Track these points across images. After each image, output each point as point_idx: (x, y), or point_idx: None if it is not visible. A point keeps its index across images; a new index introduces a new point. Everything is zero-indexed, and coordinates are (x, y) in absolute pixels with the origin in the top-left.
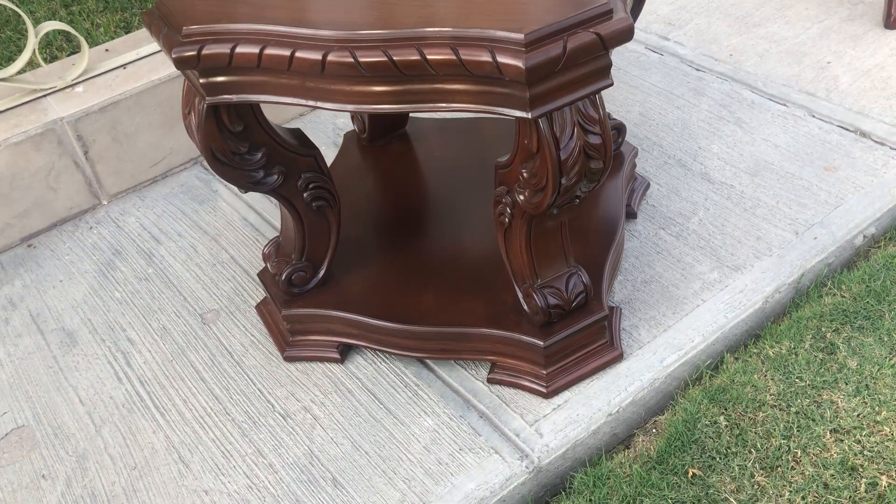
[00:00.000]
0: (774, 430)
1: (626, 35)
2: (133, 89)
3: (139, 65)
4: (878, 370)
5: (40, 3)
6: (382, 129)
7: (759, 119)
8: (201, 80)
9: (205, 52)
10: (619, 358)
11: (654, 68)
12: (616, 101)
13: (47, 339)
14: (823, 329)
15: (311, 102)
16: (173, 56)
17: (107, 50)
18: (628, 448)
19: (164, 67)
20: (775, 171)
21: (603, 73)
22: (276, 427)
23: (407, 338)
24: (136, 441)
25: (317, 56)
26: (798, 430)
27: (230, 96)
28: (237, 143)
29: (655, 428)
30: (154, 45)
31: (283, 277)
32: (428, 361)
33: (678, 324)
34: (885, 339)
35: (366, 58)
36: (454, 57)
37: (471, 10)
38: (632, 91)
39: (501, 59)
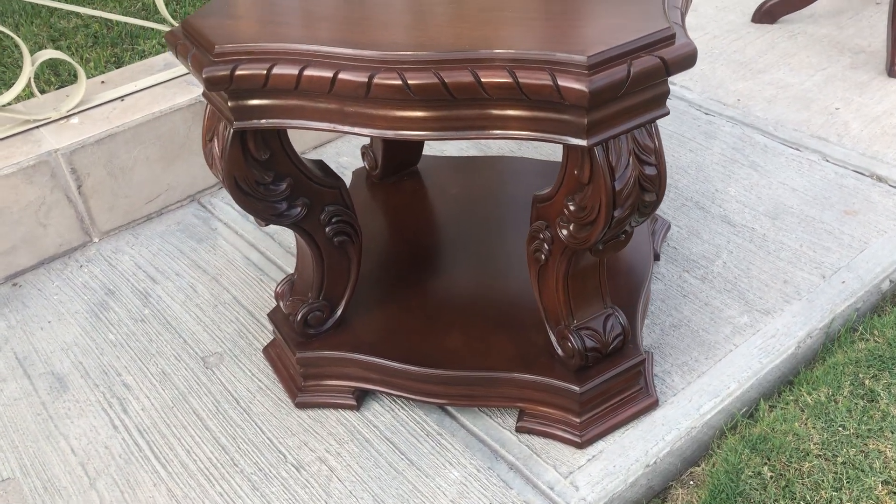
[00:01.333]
0: (823, 481)
1: (689, 60)
2: (131, 122)
3: (137, 97)
4: None
5: (26, 38)
6: (394, 167)
7: (773, 163)
8: (230, 104)
9: (238, 72)
10: (655, 405)
11: None
12: None
13: (35, 384)
14: (861, 375)
15: (347, 129)
16: (204, 76)
17: (102, 82)
18: (665, 501)
19: (165, 100)
20: (795, 215)
21: (660, 100)
22: (289, 479)
23: (431, 382)
24: (135, 496)
25: (362, 78)
26: (848, 482)
27: (260, 121)
28: (262, 172)
29: (693, 480)
30: (153, 78)
31: (299, 318)
32: (450, 409)
33: (712, 369)
34: None
35: (415, 80)
36: (511, 80)
37: (525, 32)
38: None
39: (563, 82)
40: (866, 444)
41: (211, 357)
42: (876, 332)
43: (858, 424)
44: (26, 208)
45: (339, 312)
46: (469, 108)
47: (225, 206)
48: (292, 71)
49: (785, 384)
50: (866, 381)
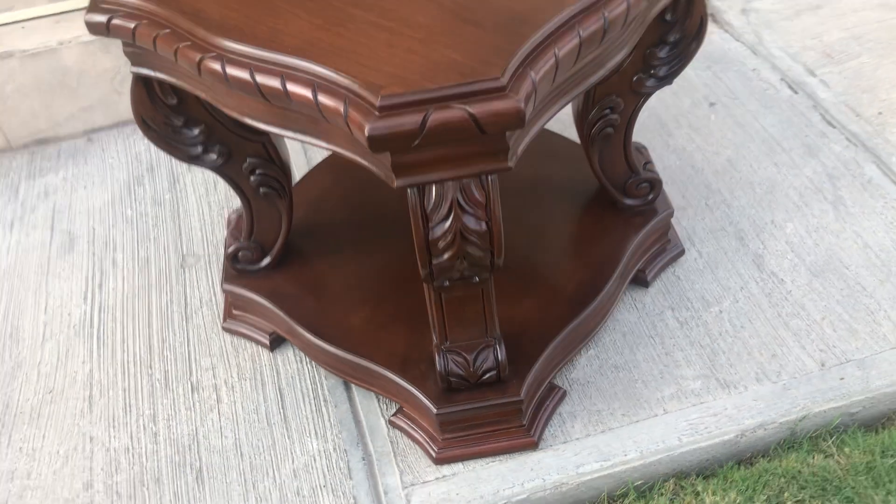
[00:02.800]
0: None
1: (509, 120)
2: None
3: None
4: None
5: None
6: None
7: (864, 205)
8: (123, 47)
9: (113, 22)
10: (532, 446)
11: (777, 108)
12: (711, 137)
13: (52, 239)
14: (786, 493)
15: (207, 97)
16: (85, 19)
17: None
18: None
19: None
20: (844, 279)
21: (494, 155)
22: (181, 397)
23: (323, 353)
24: (65, 366)
25: (192, 56)
26: None
27: (150, 71)
28: (172, 115)
29: None
30: None
31: (229, 252)
32: (351, 381)
33: (621, 429)
34: None
35: (234, 71)
36: (311, 98)
37: (367, 45)
38: (734, 130)
39: (352, 116)
40: None
41: (190, 258)
42: (847, 449)
43: None
44: (103, 74)
45: (269, 259)
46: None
47: None
48: (150, 33)
49: (710, 470)
50: (786, 502)
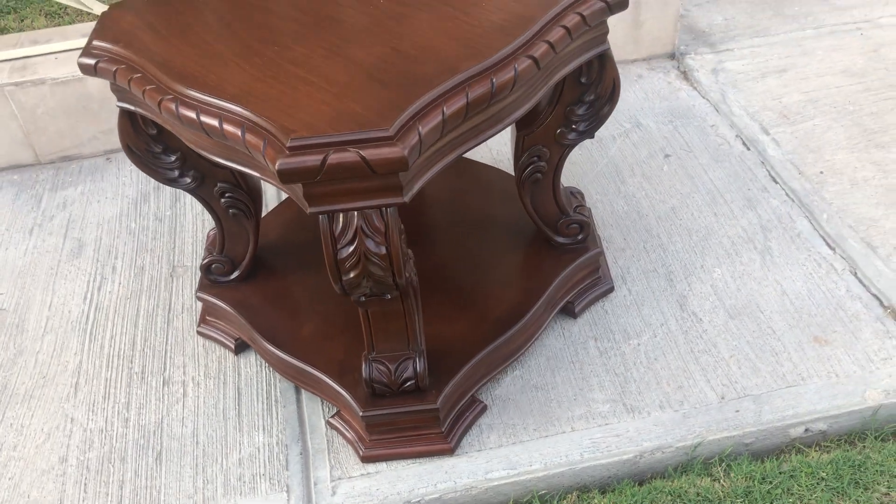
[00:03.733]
0: None
1: (394, 164)
2: None
3: None
4: None
5: None
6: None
7: (789, 256)
8: (111, 85)
9: (99, 65)
10: (447, 452)
11: (726, 162)
12: (660, 186)
13: (64, 245)
14: None
15: (170, 128)
16: (78, 61)
17: None
18: None
19: None
20: (758, 322)
21: (391, 190)
22: (153, 388)
23: (275, 359)
24: (59, 356)
25: (155, 97)
26: None
27: (128, 105)
28: (152, 143)
29: None
30: None
31: (203, 263)
32: (299, 385)
33: (531, 442)
34: None
35: (184, 111)
36: (240, 135)
37: (296, 101)
38: (683, 181)
39: (268, 152)
40: None
41: (179, 268)
42: (733, 475)
43: None
44: None
45: (239, 272)
46: (243, 147)
47: None
48: (126, 76)
49: (608, 485)
50: None
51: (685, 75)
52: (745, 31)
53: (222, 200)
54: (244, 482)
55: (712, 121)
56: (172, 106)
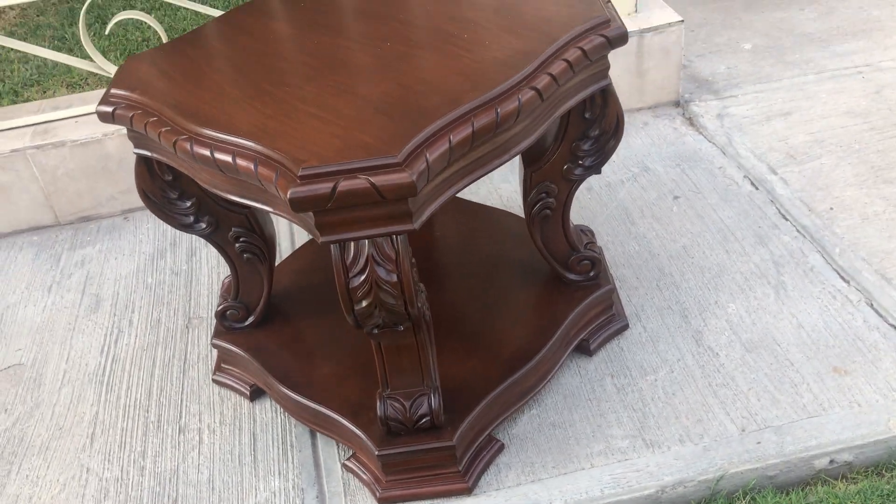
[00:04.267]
0: None
1: (403, 189)
2: None
3: None
4: None
5: None
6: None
7: (803, 290)
8: (127, 132)
9: (117, 112)
10: (465, 492)
11: (735, 202)
12: (671, 226)
13: (82, 301)
14: None
15: (185, 171)
16: (96, 110)
17: None
18: None
19: None
20: (775, 355)
21: (400, 218)
22: (169, 436)
23: (290, 402)
24: (76, 407)
25: (170, 138)
26: None
27: (144, 151)
28: (168, 189)
29: None
30: None
31: (218, 310)
32: (315, 429)
33: (551, 480)
34: None
35: (198, 150)
36: (253, 169)
37: (306, 135)
38: (693, 221)
39: (280, 182)
40: None
41: (195, 319)
42: None
43: None
44: None
45: (253, 318)
46: (257, 181)
47: None
48: (143, 120)
49: None
50: None
51: (690, 121)
52: (748, 78)
53: (237, 245)
54: None
55: (720, 163)
56: (187, 145)
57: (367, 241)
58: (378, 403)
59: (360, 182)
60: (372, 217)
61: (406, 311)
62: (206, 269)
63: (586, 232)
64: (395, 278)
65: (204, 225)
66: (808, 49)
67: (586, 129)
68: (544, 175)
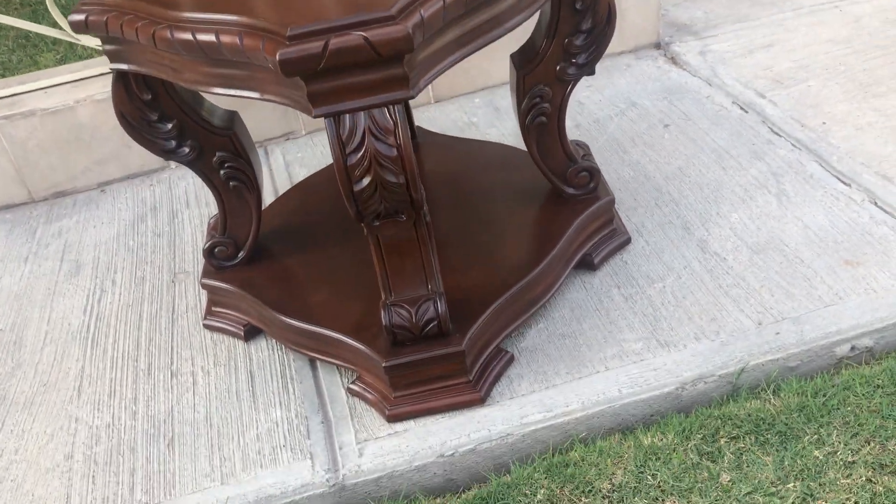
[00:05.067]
0: None
1: (399, 43)
2: None
3: None
4: (747, 495)
5: None
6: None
7: (805, 195)
8: (102, 47)
9: (90, 18)
10: (478, 402)
11: (727, 125)
12: (663, 151)
13: (61, 267)
14: (721, 432)
15: (166, 77)
16: (69, 19)
17: None
18: (456, 495)
19: None
20: (784, 254)
21: (396, 82)
22: (161, 381)
23: (288, 331)
24: (60, 364)
25: (148, 30)
26: None
27: (121, 65)
28: (147, 110)
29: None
30: None
31: (206, 248)
32: (315, 360)
33: (565, 385)
34: (787, 463)
35: (179, 35)
36: (238, 42)
37: (284, 4)
38: (686, 144)
39: (267, 48)
40: (663, 501)
41: (181, 274)
42: (781, 394)
43: (672, 478)
44: (114, 129)
45: (243, 253)
46: (240, 68)
47: (279, 156)
48: (117, 21)
49: (652, 422)
50: (721, 440)
51: (673, 60)
52: (727, 20)
53: (222, 172)
54: (264, 455)
55: (707, 92)
56: (167, 33)
57: (362, 112)
58: (382, 313)
59: (352, 38)
60: (366, 84)
61: (408, 193)
62: (189, 228)
63: (581, 146)
64: (394, 153)
65: (187, 150)
66: None
67: (578, 23)
68: (537, 77)
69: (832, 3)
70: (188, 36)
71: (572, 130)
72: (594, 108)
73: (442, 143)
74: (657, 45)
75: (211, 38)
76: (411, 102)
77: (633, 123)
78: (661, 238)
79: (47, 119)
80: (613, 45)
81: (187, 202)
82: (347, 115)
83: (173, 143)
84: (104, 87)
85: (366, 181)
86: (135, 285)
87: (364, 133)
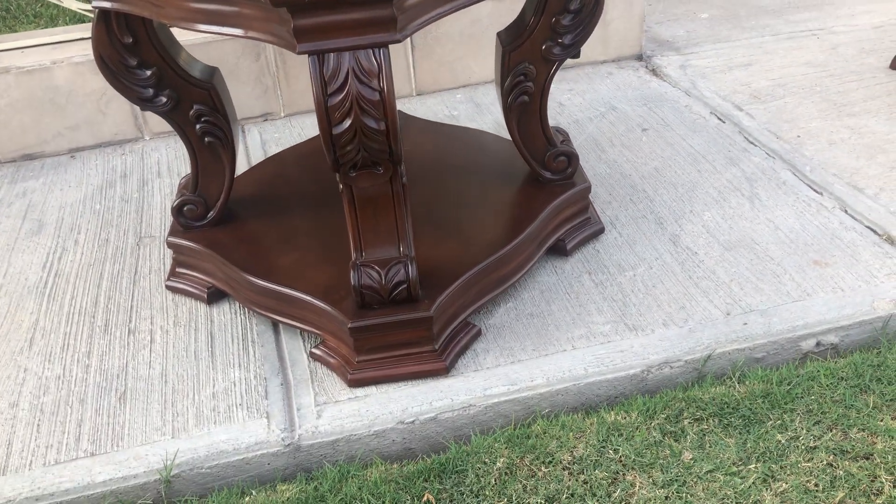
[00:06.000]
0: (541, 489)
1: None
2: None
3: None
4: (708, 473)
5: None
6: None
7: (777, 200)
8: None
9: None
10: (443, 371)
11: (704, 132)
12: (640, 153)
13: (23, 226)
14: (685, 413)
15: (148, 14)
16: None
17: None
18: (414, 461)
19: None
20: (754, 252)
21: (384, 24)
22: (117, 338)
23: (253, 291)
24: (13, 316)
25: None
26: (567, 500)
27: (105, 2)
28: (126, 55)
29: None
30: None
31: (175, 205)
32: (279, 325)
33: (531, 361)
34: (749, 445)
35: None
36: None
37: None
38: (663, 147)
39: None
40: (624, 475)
41: (147, 238)
42: (747, 381)
43: (633, 454)
44: (90, 95)
45: (214, 213)
46: (225, 3)
47: (256, 135)
48: None
49: (616, 402)
50: (685, 421)
51: (654, 71)
52: (707, 39)
53: (198, 126)
54: (219, 412)
55: (685, 102)
56: None
57: (347, 53)
58: (352, 273)
59: None
60: (354, 23)
61: (388, 143)
62: (158, 197)
63: (561, 131)
64: (377, 97)
65: (164, 99)
66: (764, 18)
67: (567, 2)
68: (523, 55)
69: (811, 31)
70: None
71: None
72: (574, 110)
73: (422, 127)
74: (639, 57)
75: None
76: None
77: (612, 126)
78: (634, 231)
79: (22, 78)
80: (596, 54)
81: (159, 172)
82: (332, 55)
83: (150, 91)
84: (83, 50)
85: (346, 124)
86: (98, 246)
87: (347, 74)
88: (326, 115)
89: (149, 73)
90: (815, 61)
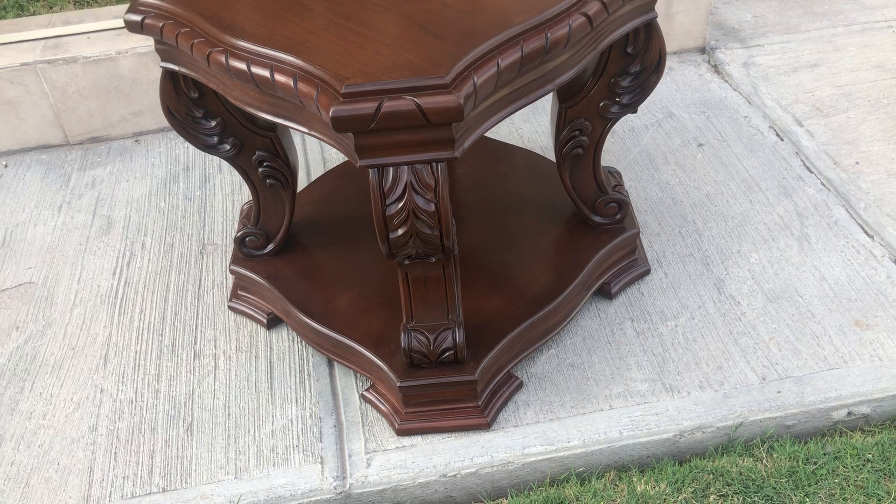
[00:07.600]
0: None
1: (450, 113)
2: None
3: None
4: None
5: None
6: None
7: (826, 243)
8: (154, 45)
9: (146, 21)
10: (484, 427)
11: (760, 152)
12: (694, 174)
13: (93, 222)
14: (712, 488)
15: (215, 87)
16: (124, 17)
17: None
18: None
19: None
20: (797, 306)
21: (442, 144)
22: (184, 361)
23: (309, 330)
24: (88, 328)
25: (203, 50)
26: None
27: (171, 65)
28: (193, 107)
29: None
30: None
31: (237, 237)
32: (335, 359)
33: (569, 419)
34: None
35: (234, 63)
36: (292, 85)
37: (348, 51)
38: (717, 168)
39: (321, 100)
40: None
41: (210, 246)
42: (776, 455)
43: None
44: (153, 83)
45: (273, 245)
46: (290, 101)
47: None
48: (174, 31)
49: (647, 465)
50: (711, 497)
51: (716, 69)
52: (775, 28)
53: (260, 170)
54: (277, 453)
55: (745, 112)
56: (222, 58)
57: (406, 167)
58: (402, 335)
59: (405, 103)
60: (413, 142)
61: (441, 243)
62: (220, 196)
63: (614, 174)
64: (432, 207)
65: (228, 147)
66: (838, 2)
67: (627, 65)
68: (579, 112)
69: (886, 21)
70: (242, 66)
71: (606, 139)
72: (631, 115)
73: (474, 144)
74: (702, 50)
75: (265, 73)
76: None
77: (668, 137)
78: (679, 271)
79: (89, 67)
80: None
81: (220, 167)
82: (391, 168)
83: (215, 139)
84: (146, 41)
85: (401, 230)
86: (164, 252)
87: (406, 187)
88: (385, 222)
89: (214, 123)
90: (887, 63)
